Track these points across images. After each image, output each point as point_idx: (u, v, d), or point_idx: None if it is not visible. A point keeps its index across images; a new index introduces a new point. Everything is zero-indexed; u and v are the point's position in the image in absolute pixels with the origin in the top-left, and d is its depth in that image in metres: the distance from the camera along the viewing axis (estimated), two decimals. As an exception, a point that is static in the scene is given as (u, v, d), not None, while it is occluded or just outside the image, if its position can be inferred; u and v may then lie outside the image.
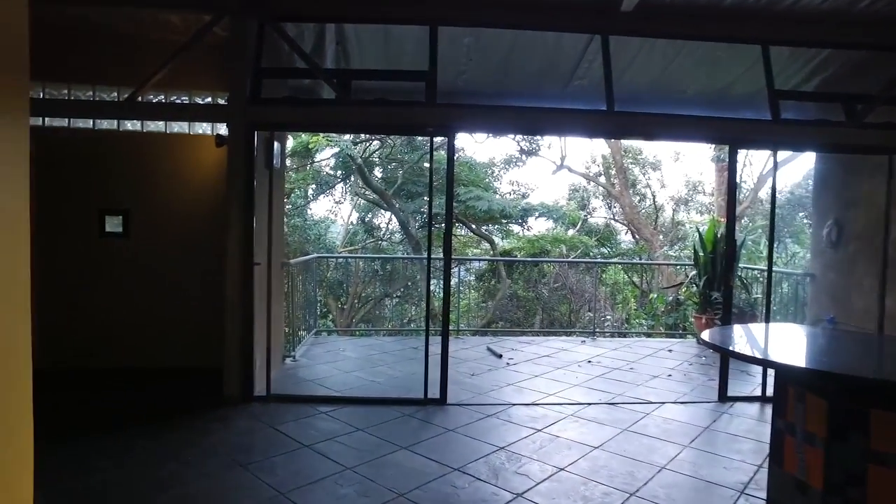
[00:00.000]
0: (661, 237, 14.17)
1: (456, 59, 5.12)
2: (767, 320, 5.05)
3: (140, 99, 4.53)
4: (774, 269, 5.34)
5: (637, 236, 14.07)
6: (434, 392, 4.63)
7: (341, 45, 5.17)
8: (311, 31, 4.95)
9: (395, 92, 4.87)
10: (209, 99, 5.25)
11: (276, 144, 4.96)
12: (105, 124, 5.33)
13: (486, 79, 5.51)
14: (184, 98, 5.20)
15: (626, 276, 12.52)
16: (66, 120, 5.29)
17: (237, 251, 4.49)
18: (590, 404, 4.64)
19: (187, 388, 4.87)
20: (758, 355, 2.63)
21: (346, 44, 5.14)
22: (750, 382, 5.30)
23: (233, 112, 4.42)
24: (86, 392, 4.79)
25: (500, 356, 6.38)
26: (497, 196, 12.88)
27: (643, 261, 13.15)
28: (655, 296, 10.26)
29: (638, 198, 15.01)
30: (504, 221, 12.81)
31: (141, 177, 5.34)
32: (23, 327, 2.62)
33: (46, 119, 5.28)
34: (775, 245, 6.98)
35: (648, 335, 9.18)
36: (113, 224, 5.39)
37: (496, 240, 13.48)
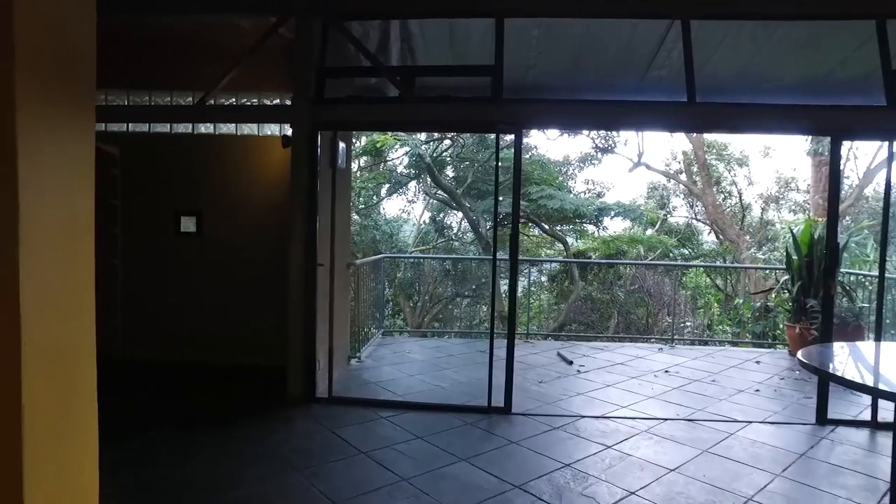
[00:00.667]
0: (747, 238, 13.20)
1: (524, 53, 4.89)
2: (879, 335, 4.46)
3: (213, 102, 4.63)
4: (887, 274, 4.71)
5: (721, 237, 13.18)
6: (498, 399, 4.43)
7: (406, 43, 5.07)
8: (375, 30, 4.89)
9: (463, 89, 4.73)
10: (277, 101, 5.33)
11: (340, 144, 4.94)
12: (181, 128, 5.53)
13: (556, 73, 5.25)
14: (253, 100, 5.30)
15: (708, 279, 11.74)
16: (147, 125, 5.53)
17: (300, 251, 4.49)
18: (666, 420, 4.28)
19: (254, 385, 4.95)
20: (871, 383, 2.25)
21: (411, 41, 5.04)
22: (856, 404, 4.69)
23: (296, 112, 4.43)
24: (160, 385, 4.97)
25: (571, 363, 6.08)
26: (571, 195, 12.47)
27: (728, 263, 12.29)
28: (741, 301, 9.52)
29: (722, 196, 14.07)
30: (578, 221, 12.38)
31: (212, 178, 5.50)
32: (87, 323, 2.68)
33: (130, 125, 5.55)
34: (888, 248, 6.25)
35: (733, 344, 8.51)
36: (187, 224, 5.59)
37: (570, 240, 13.06)
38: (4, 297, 2.17)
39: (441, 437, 3.85)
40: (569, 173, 14.24)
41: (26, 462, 2.14)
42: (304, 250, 4.50)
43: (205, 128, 5.52)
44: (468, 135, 11.87)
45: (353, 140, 11.70)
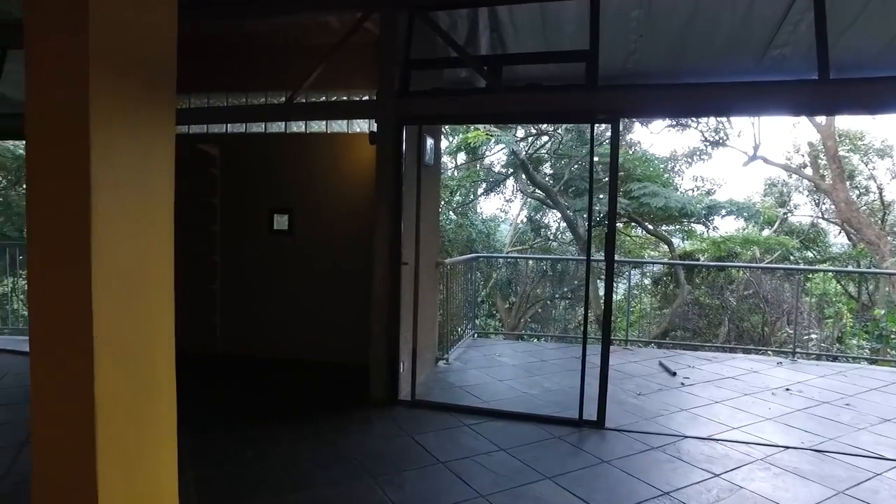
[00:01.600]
0: (889, 239, 11.59)
1: (622, 38, 4.48)
2: None
3: (304, 101, 4.68)
4: None
5: (854, 238, 11.69)
6: (590, 412, 4.09)
7: (496, 33, 4.83)
8: (463, 20, 4.70)
9: (556, 80, 4.42)
10: (366, 98, 5.30)
11: (427, 139, 4.81)
12: (274, 127, 5.67)
13: (658, 58, 4.77)
14: (343, 98, 5.31)
15: (838, 286, 10.42)
16: (243, 125, 5.73)
17: (384, 250, 4.40)
18: (788, 448, 3.72)
19: (339, 384, 4.94)
20: None
21: (500, 30, 4.79)
22: None
23: (381, 106, 4.34)
24: (250, 381, 5.10)
25: (675, 374, 5.55)
26: (677, 192, 11.59)
27: (865, 269, 10.84)
28: (883, 312, 8.32)
29: (857, 192, 12.49)
30: (685, 221, 11.48)
31: (303, 176, 5.59)
32: (164, 318, 2.71)
33: (228, 126, 5.77)
34: None
35: (872, 361, 7.44)
36: (280, 222, 5.72)
37: (675, 241, 12.17)
38: (77, 295, 2.21)
39: (526, 451, 3.59)
40: (675, 169, 13.31)
41: (100, 454, 2.16)
42: (389, 249, 4.41)
43: (296, 127, 5.62)
44: (565, 130, 11.41)
45: (447, 136, 11.73)
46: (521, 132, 11.76)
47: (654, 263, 11.49)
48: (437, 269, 5.66)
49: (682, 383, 5.26)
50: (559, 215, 12.57)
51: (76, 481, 2.14)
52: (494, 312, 12.21)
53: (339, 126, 5.54)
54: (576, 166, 11.55)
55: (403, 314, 4.53)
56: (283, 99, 5.35)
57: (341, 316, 5.52)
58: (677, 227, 12.03)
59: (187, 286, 5.82)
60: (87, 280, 2.10)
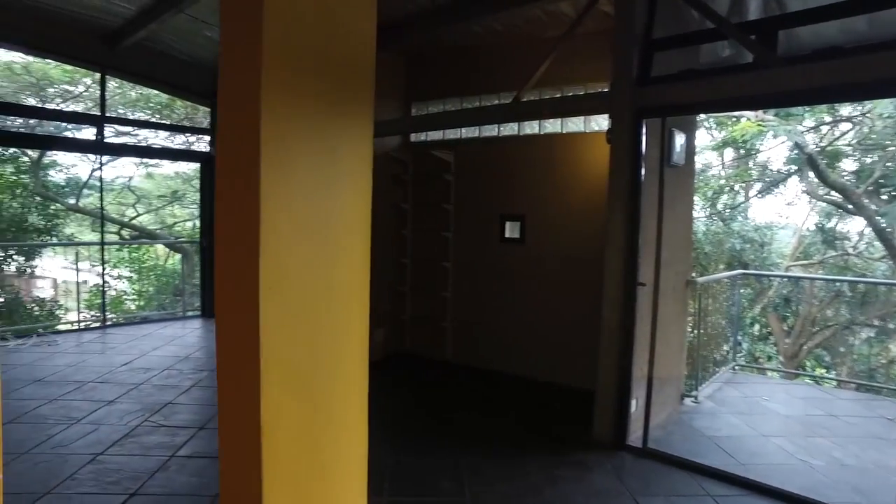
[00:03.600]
0: None
1: None
2: None
3: (536, 98, 4.29)
4: None
5: None
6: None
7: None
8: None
9: (864, 40, 3.20)
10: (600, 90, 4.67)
11: (676, 135, 3.99)
12: (507, 130, 5.41)
13: None
14: (578, 93, 4.76)
15: None
16: (477, 129, 5.60)
17: (617, 266, 3.75)
18: None
19: (560, 411, 4.44)
20: None
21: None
22: None
23: (614, 98, 3.69)
24: (467, 392, 4.91)
25: None
26: None
27: None
28: None
29: None
30: None
31: (535, 180, 5.21)
32: (356, 326, 2.57)
33: (463, 131, 5.72)
34: None
35: None
36: (512, 229, 5.44)
37: None
38: (247, 307, 2.15)
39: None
40: None
41: (266, 474, 2.06)
42: (623, 265, 3.74)
43: (529, 128, 5.28)
44: (878, 114, 8.85)
45: (710, 130, 10.14)
46: (808, 121, 9.54)
47: None
48: (688, 288, 4.71)
49: None
50: (864, 223, 9.84)
51: (244, 499, 2.10)
52: (767, 335, 10.17)
53: (574, 125, 5.02)
54: (890, 162, 8.89)
55: (639, 342, 3.81)
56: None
57: (570, 334, 5.00)
58: None
59: (420, 291, 6.01)
60: (256, 293, 2.03)
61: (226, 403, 2.10)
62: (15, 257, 9.13)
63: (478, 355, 5.65)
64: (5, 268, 9.27)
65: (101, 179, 8.34)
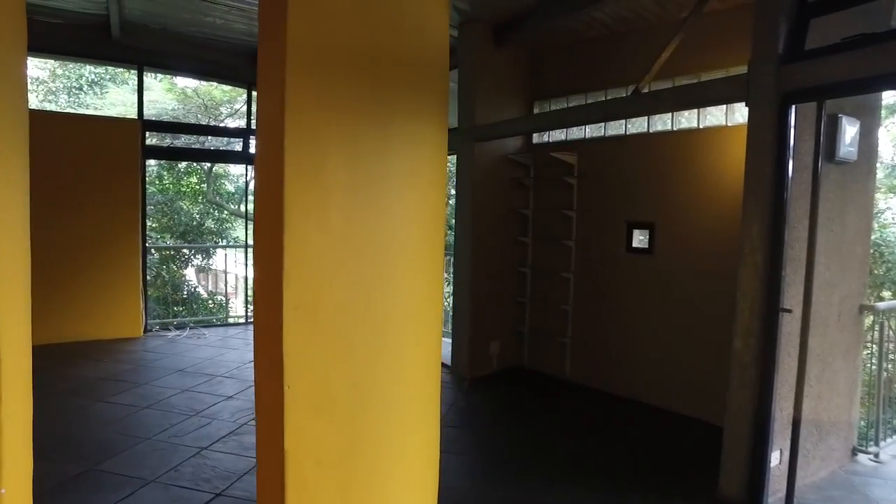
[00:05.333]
0: None
1: None
2: None
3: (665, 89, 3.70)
4: None
5: None
6: None
7: None
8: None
9: None
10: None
11: (844, 122, 3.17)
12: (634, 128, 4.81)
13: None
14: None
15: None
16: (602, 128, 5.07)
17: (753, 289, 3.05)
18: None
19: (682, 449, 3.79)
20: None
21: None
22: None
23: (752, 80, 3.00)
24: (581, 416, 4.41)
25: None
26: None
27: None
28: None
29: None
30: None
31: (667, 184, 4.55)
32: (422, 354, 2.33)
33: (588, 130, 5.21)
34: None
35: None
36: (640, 238, 4.82)
37: None
38: (272, 329, 2.00)
39: None
40: None
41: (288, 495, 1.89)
42: (761, 286, 3.04)
43: (661, 124, 4.62)
44: None
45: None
46: None
47: None
48: (862, 315, 3.76)
49: None
50: None
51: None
52: None
53: (714, 117, 4.28)
54: None
55: (782, 380, 3.08)
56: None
57: (700, 359, 4.28)
58: None
59: (539, 303, 5.60)
60: (279, 311, 1.87)
61: (261, 427, 1.99)
62: (196, 256, 10.43)
63: (596, 375, 5.11)
64: (190, 266, 10.63)
65: (245, 186, 9.18)
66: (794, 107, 2.91)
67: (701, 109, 4.29)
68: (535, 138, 5.72)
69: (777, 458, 3.13)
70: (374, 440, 2.11)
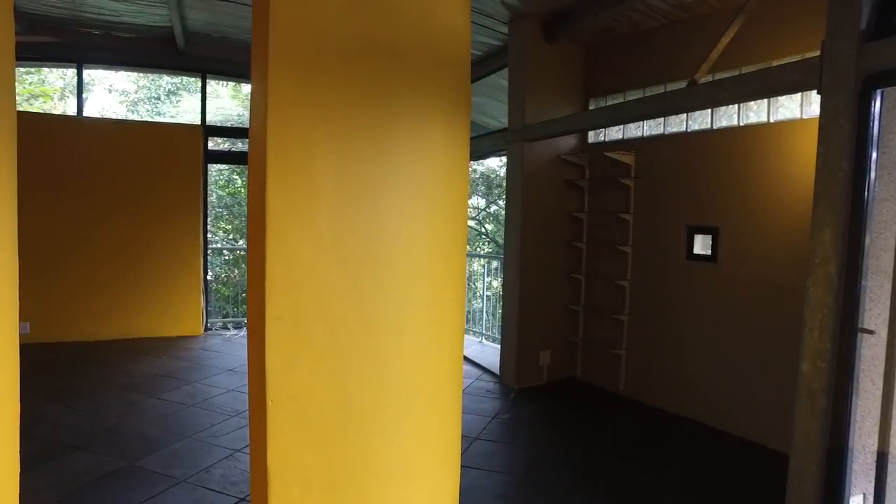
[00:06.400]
0: None
1: None
2: None
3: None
4: None
5: None
6: None
7: None
8: None
9: None
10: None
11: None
12: (696, 125, 4.40)
13: None
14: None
15: None
16: (661, 125, 4.68)
17: (825, 305, 2.64)
18: None
19: (743, 477, 3.37)
20: None
21: None
22: None
23: (828, 64, 2.60)
24: (634, 433, 4.05)
25: None
26: None
27: None
28: None
29: None
30: None
31: (733, 185, 4.12)
32: (434, 370, 2.17)
33: (646, 128, 4.84)
34: None
35: None
36: (702, 244, 4.41)
37: None
38: (257, 340, 1.87)
39: None
40: None
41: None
42: (834, 302, 2.63)
43: (725, 119, 4.19)
44: None
45: None
46: None
47: None
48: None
49: None
50: None
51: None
52: None
53: (787, 110, 3.81)
54: None
55: (864, 412, 2.66)
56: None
57: (767, 379, 3.84)
58: None
59: (593, 311, 5.27)
60: (262, 322, 1.75)
61: (252, 445, 1.89)
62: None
63: (651, 391, 4.73)
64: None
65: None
66: (879, 92, 2.49)
67: (773, 101, 3.84)
68: (591, 137, 5.40)
69: (861, 503, 2.70)
70: (371, 463, 1.96)
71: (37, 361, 5.42)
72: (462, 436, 4.07)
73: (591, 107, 5.32)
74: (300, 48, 1.71)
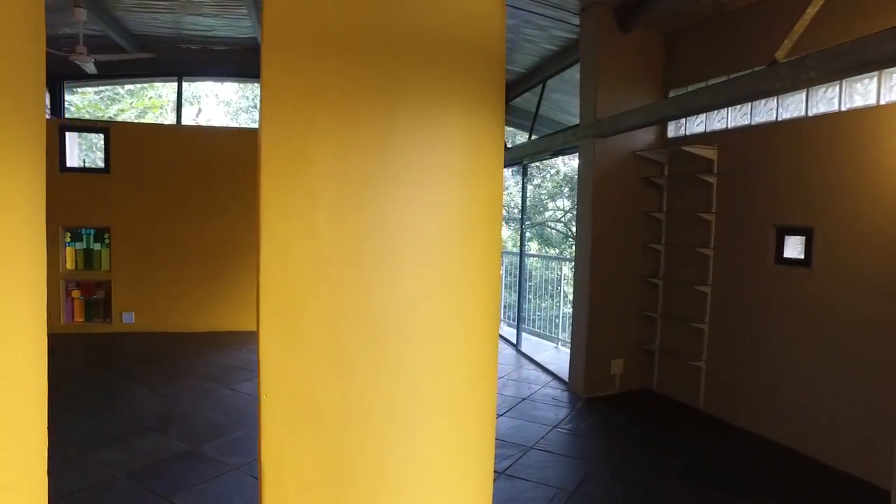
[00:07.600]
0: None
1: None
2: None
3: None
4: None
5: None
6: None
7: None
8: None
9: None
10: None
11: None
12: (787, 113, 3.92)
13: None
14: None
15: None
16: (748, 115, 4.23)
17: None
18: None
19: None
20: None
21: None
22: None
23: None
24: (711, 455, 3.66)
25: None
26: None
27: None
28: None
29: None
30: None
31: (830, 179, 3.63)
32: (452, 371, 2.06)
33: (730, 121, 4.41)
34: None
35: None
36: (793, 247, 3.93)
37: None
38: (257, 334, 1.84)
39: None
40: None
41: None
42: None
43: (823, 106, 3.70)
44: None
45: None
46: None
47: None
48: None
49: None
50: None
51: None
52: None
53: (897, 91, 3.29)
54: None
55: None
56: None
57: (873, 405, 3.32)
58: None
59: (671, 319, 4.88)
60: (257, 315, 1.73)
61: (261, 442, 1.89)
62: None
63: (735, 408, 4.27)
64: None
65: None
66: None
67: (885, 79, 3.32)
68: (672, 132, 5.01)
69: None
70: (377, 464, 1.89)
71: (137, 348, 5.95)
72: (515, 444, 3.93)
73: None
74: (296, 33, 1.67)
